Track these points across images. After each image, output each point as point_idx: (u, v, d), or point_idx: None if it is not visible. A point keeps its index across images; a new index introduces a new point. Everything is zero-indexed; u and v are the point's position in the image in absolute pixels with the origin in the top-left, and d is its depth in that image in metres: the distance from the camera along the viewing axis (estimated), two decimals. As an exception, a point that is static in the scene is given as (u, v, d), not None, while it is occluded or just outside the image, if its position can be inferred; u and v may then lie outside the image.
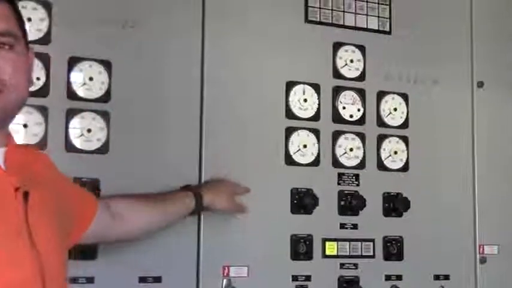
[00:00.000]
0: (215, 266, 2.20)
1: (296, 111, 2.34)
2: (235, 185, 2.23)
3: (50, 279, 1.52)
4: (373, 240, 2.41)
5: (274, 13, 2.36)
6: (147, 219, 2.01)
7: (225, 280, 2.19)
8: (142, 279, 2.10)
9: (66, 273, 1.63)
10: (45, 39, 2.05)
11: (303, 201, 2.30)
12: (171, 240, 2.14)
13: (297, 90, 2.35)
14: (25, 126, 1.99)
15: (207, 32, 2.26)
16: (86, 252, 2.01)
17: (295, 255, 2.29)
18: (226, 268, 2.20)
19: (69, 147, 2.05)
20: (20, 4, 1.99)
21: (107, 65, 2.11)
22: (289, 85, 2.34)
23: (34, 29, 2.03)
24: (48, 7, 2.05)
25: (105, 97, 2.11)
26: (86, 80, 2.09)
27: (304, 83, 2.36)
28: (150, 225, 2.03)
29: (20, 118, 1.97)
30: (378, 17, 2.51)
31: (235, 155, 2.27)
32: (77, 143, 2.06)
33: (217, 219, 2.20)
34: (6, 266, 1.43)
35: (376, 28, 2.51)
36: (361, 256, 2.40)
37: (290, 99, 2.34)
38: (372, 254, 2.41)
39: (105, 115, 2.10)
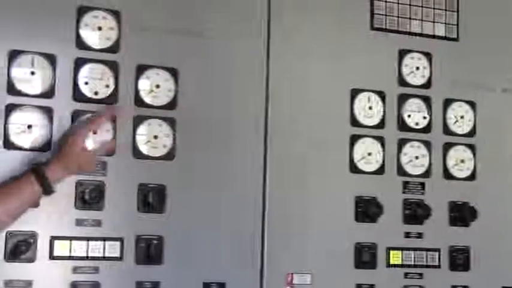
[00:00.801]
0: (279, 273, 2.17)
1: (361, 118, 2.30)
2: (77, 136, 1.98)
3: None
4: (438, 250, 2.35)
5: (339, 20, 2.33)
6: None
7: None
8: (206, 285, 2.09)
9: None
10: (114, 48, 2.06)
11: (367, 210, 2.26)
12: (236, 248, 2.13)
13: (362, 97, 2.31)
14: (94, 132, 1.99)
15: (272, 40, 2.25)
16: (152, 257, 2.02)
17: (359, 264, 2.25)
18: (290, 275, 2.17)
19: (136, 153, 2.06)
20: (91, 14, 2.04)
21: (173, 72, 2.11)
22: (354, 92, 2.30)
23: (104, 38, 2.05)
24: (117, 16, 2.07)
25: (172, 104, 2.10)
26: (153, 87, 2.09)
27: (369, 91, 2.32)
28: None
29: None
30: (445, 23, 2.45)
31: (299, 162, 2.23)
32: (144, 149, 2.07)
33: (281, 225, 2.18)
34: None
35: (443, 35, 2.44)
36: (427, 266, 2.34)
37: (355, 106, 2.30)
38: (437, 263, 2.34)
39: (171, 122, 2.09)
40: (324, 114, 2.27)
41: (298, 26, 2.28)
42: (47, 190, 1.88)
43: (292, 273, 2.17)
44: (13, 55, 1.96)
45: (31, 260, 1.92)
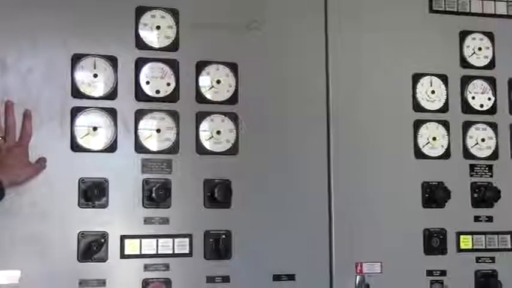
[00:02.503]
0: (348, 262, 2.13)
1: (424, 103, 2.23)
2: (16, 144, 1.94)
3: None
4: (510, 233, 2.26)
5: (397, 4, 2.26)
6: None
7: (358, 277, 2.12)
8: (277, 277, 2.07)
9: None
10: (174, 46, 2.05)
11: (434, 195, 2.19)
12: (304, 238, 2.10)
13: (424, 82, 2.23)
14: (158, 131, 2.00)
15: (330, 29, 2.20)
16: (220, 252, 2.01)
17: (429, 250, 2.18)
18: (359, 265, 2.13)
19: (200, 149, 2.05)
20: (149, 13, 2.03)
21: (233, 67, 2.09)
22: (416, 77, 2.23)
23: (163, 37, 2.04)
24: (175, 15, 2.06)
25: (233, 99, 2.09)
26: (214, 83, 2.07)
27: (431, 75, 2.25)
28: None
29: (152, 124, 2.01)
30: (507, 1, 2.35)
31: (363, 150, 2.18)
32: (207, 145, 2.05)
33: (348, 214, 2.13)
34: None
35: (505, 13, 2.34)
36: (498, 249, 2.25)
37: (417, 91, 2.22)
38: (510, 247, 2.26)
39: (233, 117, 2.07)
40: (386, 101, 2.21)
41: (356, 14, 2.23)
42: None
43: (361, 262, 2.13)
44: (76, 59, 1.96)
45: (103, 259, 1.93)
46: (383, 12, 2.25)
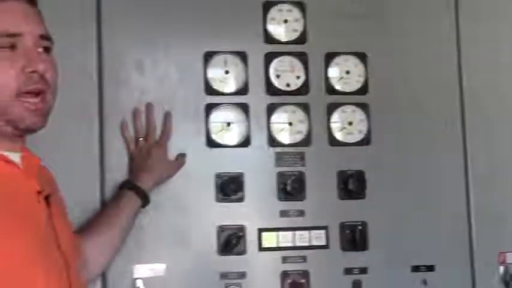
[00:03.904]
0: (490, 253, 2.06)
1: None
2: (156, 144, 1.99)
3: (73, 279, 1.50)
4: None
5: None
6: (110, 249, 1.87)
7: (502, 267, 2.04)
8: (415, 268, 2.03)
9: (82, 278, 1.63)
10: (302, 39, 2.05)
11: None
12: (442, 228, 2.05)
13: None
14: (290, 124, 2.00)
15: (461, 17, 2.14)
16: (357, 243, 1.99)
17: None
18: (502, 255, 2.05)
19: (332, 141, 2.03)
20: (276, 8, 2.04)
21: (362, 57, 2.07)
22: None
23: (290, 30, 2.04)
24: (302, 7, 2.05)
25: (363, 89, 2.06)
26: (343, 74, 2.05)
27: None
28: (111, 255, 1.89)
29: (284, 117, 2.02)
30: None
31: (499, 137, 2.13)
32: (339, 136, 2.03)
33: (489, 203, 2.07)
34: (35, 267, 1.40)
35: None
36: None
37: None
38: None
39: (364, 107, 2.05)
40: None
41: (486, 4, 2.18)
42: (146, 202, 1.91)
43: (505, 252, 2.06)
44: (207, 57, 2.00)
45: (242, 252, 1.96)
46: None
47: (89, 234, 1.81)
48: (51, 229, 1.48)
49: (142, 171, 1.91)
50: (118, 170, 1.95)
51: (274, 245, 1.99)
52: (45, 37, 1.48)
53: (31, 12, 1.48)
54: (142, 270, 1.93)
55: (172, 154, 1.96)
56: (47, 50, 1.48)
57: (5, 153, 1.45)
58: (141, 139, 1.96)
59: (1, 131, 1.45)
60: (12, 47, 1.43)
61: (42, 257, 1.42)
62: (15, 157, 1.48)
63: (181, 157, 1.96)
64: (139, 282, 1.91)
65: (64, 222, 1.56)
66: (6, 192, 1.41)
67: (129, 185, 1.88)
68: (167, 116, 1.96)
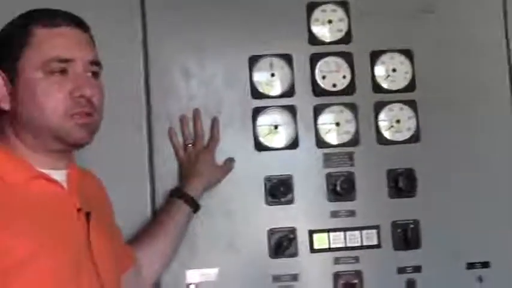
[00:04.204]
0: None
1: None
2: (204, 150, 2.00)
3: None
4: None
5: None
6: (161, 259, 1.89)
7: (560, 263, 2.01)
8: (470, 265, 2.01)
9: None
10: (346, 39, 2.04)
11: None
12: (495, 224, 2.04)
13: None
14: (337, 124, 2.00)
15: (510, 12, 2.11)
16: (409, 242, 1.99)
17: None
18: (559, 251, 2.02)
19: (380, 140, 2.03)
20: (320, 8, 2.04)
21: (408, 54, 2.05)
22: None
23: (335, 30, 2.04)
24: (346, 7, 2.05)
25: (410, 86, 2.05)
26: (389, 72, 2.04)
27: None
28: (165, 262, 1.91)
29: (331, 118, 2.02)
30: None
31: None
32: (388, 134, 2.03)
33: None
34: (70, 285, 1.43)
35: None
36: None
37: None
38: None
39: (412, 104, 2.03)
40: None
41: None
42: (196, 208, 1.92)
43: (562, 248, 2.02)
44: (253, 61, 2.01)
45: (294, 254, 1.97)
46: None
47: (140, 245, 1.84)
48: (88, 245, 1.51)
49: (191, 176, 1.93)
50: (168, 178, 1.97)
51: (325, 246, 1.99)
52: (95, 62, 1.53)
53: (83, 38, 1.53)
54: (194, 275, 1.95)
55: (220, 159, 1.97)
56: (95, 74, 1.53)
57: (49, 171, 1.49)
58: (189, 145, 1.98)
59: (49, 149, 1.50)
60: (63, 71, 1.48)
61: (76, 272, 1.46)
62: (60, 175, 1.52)
63: (229, 162, 1.98)
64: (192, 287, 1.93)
65: (105, 237, 1.60)
66: (47, 211, 1.46)
67: (178, 194, 1.91)
68: (215, 122, 1.98)
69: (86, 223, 1.52)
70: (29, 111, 1.48)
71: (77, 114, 1.49)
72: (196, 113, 1.98)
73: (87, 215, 1.52)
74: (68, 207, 1.50)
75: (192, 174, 1.94)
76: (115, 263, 1.61)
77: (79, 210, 1.51)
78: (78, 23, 1.54)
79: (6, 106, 1.50)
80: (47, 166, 1.51)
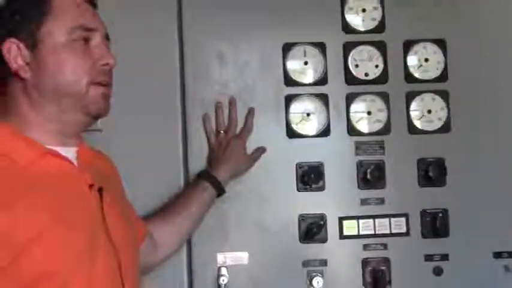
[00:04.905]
0: None
1: None
2: (236, 137, 2.04)
3: (125, 272, 1.54)
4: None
5: None
6: (179, 236, 1.95)
7: None
8: (497, 255, 2.03)
9: (139, 268, 1.65)
10: (380, 28, 2.05)
11: None
12: None
13: None
14: (369, 113, 2.01)
15: None
16: (438, 230, 2.00)
17: None
18: None
19: (412, 129, 2.04)
20: None
21: (441, 44, 2.05)
22: None
23: (368, 19, 2.04)
24: None
25: (442, 76, 2.05)
26: (422, 61, 2.05)
27: None
28: (182, 239, 1.96)
29: (363, 106, 2.04)
30: None
31: None
32: (419, 124, 2.04)
33: None
34: (85, 261, 1.45)
35: None
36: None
37: None
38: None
39: (444, 94, 2.04)
40: None
41: None
42: (221, 192, 1.95)
43: None
44: (286, 48, 2.02)
45: (323, 240, 2.00)
46: None
47: (158, 221, 1.88)
48: (102, 220, 1.53)
49: (220, 162, 1.96)
50: (200, 162, 2.00)
51: (354, 233, 2.01)
52: (107, 36, 1.56)
53: (96, 12, 1.57)
54: (226, 259, 1.99)
55: (252, 145, 2.00)
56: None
57: (58, 148, 1.51)
58: (221, 132, 2.01)
59: (69, 119, 1.51)
60: (86, 40, 1.51)
61: (91, 247, 1.48)
62: (70, 152, 1.54)
63: (259, 151, 2.00)
64: (223, 270, 1.97)
65: (119, 212, 1.62)
66: (57, 187, 1.48)
67: (206, 176, 1.93)
68: (250, 111, 2.00)
69: (99, 198, 1.54)
70: (54, 79, 1.50)
71: (100, 83, 1.52)
72: (232, 101, 2.01)
73: (100, 190, 1.55)
74: (79, 183, 1.52)
75: (222, 160, 1.97)
76: (131, 236, 1.64)
77: (91, 186, 1.53)
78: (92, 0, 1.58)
79: (26, 74, 1.50)
80: (56, 143, 1.53)
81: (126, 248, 1.57)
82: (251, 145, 2.00)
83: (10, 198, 1.41)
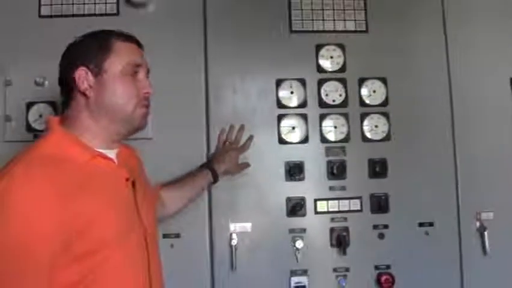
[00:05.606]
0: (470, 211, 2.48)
1: None
2: (235, 150, 2.34)
3: (151, 244, 1.72)
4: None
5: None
6: (181, 200, 2.19)
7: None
8: (421, 224, 2.44)
9: (158, 239, 1.83)
10: (342, 69, 2.50)
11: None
12: (438, 196, 2.45)
13: None
14: (335, 127, 2.47)
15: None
16: (381, 208, 2.42)
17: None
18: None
19: (364, 138, 2.48)
20: (325, 48, 2.50)
21: (383, 80, 2.50)
22: None
23: (335, 63, 2.49)
24: (343, 48, 2.50)
25: (385, 103, 2.48)
26: (371, 92, 2.48)
27: None
28: (184, 203, 2.21)
29: (331, 123, 2.45)
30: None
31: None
32: (369, 135, 2.48)
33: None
34: (124, 237, 1.60)
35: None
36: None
37: None
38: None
39: (386, 115, 2.48)
40: None
41: None
42: (215, 180, 2.30)
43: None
44: (278, 83, 2.50)
45: (303, 215, 2.44)
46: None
47: (167, 189, 2.17)
48: (135, 206, 1.70)
49: (220, 162, 2.34)
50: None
51: (325, 210, 2.45)
52: (148, 71, 1.78)
53: (142, 51, 1.79)
54: (235, 227, 2.39)
55: (253, 150, 2.40)
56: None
57: (105, 151, 1.70)
58: (227, 142, 2.41)
59: (116, 131, 1.70)
60: (135, 74, 1.73)
61: (129, 226, 1.63)
62: (112, 153, 1.72)
63: (245, 164, 2.41)
64: (234, 235, 2.38)
65: (146, 198, 1.78)
66: (104, 179, 1.65)
67: (208, 165, 2.31)
68: (250, 137, 2.42)
69: (132, 189, 1.72)
70: (111, 100, 1.66)
71: (143, 106, 1.71)
72: (241, 127, 2.43)
73: (133, 183, 1.72)
74: (120, 177, 1.69)
75: (221, 161, 2.34)
76: (153, 214, 1.82)
77: (127, 179, 1.70)
78: (139, 43, 1.78)
79: (90, 94, 1.66)
80: (103, 147, 1.69)
81: (151, 226, 1.77)
82: (253, 149, 2.41)
83: (74, 189, 1.54)
